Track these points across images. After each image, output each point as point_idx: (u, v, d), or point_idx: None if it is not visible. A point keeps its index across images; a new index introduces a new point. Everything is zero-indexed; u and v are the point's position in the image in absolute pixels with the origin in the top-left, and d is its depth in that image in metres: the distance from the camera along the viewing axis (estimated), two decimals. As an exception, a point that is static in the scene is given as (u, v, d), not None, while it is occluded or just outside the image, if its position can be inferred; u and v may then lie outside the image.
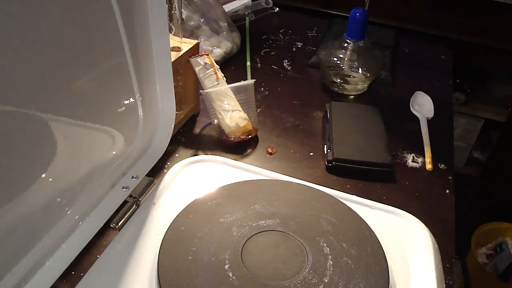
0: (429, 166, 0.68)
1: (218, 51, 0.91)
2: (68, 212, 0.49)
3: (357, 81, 0.84)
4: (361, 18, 0.79)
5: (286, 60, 0.96)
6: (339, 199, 0.55)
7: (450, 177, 0.67)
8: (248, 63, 0.93)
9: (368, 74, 0.83)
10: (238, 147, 0.69)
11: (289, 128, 0.76)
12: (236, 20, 1.03)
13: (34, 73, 0.40)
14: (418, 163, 0.70)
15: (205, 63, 0.68)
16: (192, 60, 0.68)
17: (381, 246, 0.48)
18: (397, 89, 0.90)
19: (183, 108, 0.73)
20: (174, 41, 0.65)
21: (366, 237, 0.49)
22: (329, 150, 0.67)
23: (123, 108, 0.54)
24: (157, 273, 0.44)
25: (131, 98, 0.55)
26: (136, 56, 0.53)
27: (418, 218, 0.55)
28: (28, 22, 0.37)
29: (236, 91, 0.68)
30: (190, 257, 0.46)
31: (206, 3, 0.93)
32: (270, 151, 0.70)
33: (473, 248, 1.40)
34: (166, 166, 0.65)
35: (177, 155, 0.68)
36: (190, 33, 0.90)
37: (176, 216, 0.51)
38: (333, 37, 0.90)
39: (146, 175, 0.58)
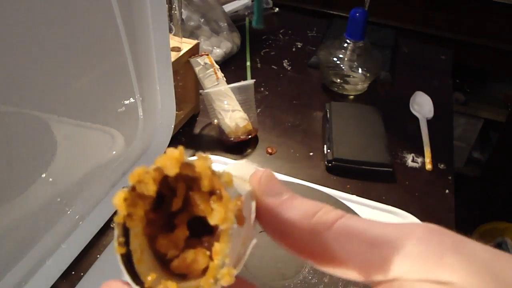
0: (428, 166, 0.68)
1: (218, 51, 0.91)
2: (68, 212, 0.49)
3: (357, 81, 0.84)
4: (361, 18, 0.79)
5: (286, 60, 0.96)
6: (339, 199, 0.55)
7: (450, 177, 0.67)
8: (248, 63, 0.93)
9: (368, 74, 0.83)
10: (238, 147, 0.69)
11: (289, 128, 0.76)
12: (236, 20, 1.03)
13: (34, 73, 0.40)
14: (418, 163, 0.70)
15: (205, 63, 0.68)
16: (192, 60, 0.68)
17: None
18: (397, 89, 0.90)
19: (183, 108, 0.73)
20: (174, 41, 0.65)
21: (366, 237, 0.49)
22: (329, 150, 0.68)
23: (123, 108, 0.54)
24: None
25: (131, 98, 0.55)
26: (136, 56, 0.53)
27: (418, 218, 0.55)
28: (28, 23, 0.37)
29: (236, 91, 0.68)
30: (190, 257, 0.46)
31: (206, 3, 0.93)
32: (270, 151, 0.70)
33: (473, 248, 1.40)
34: (166, 166, 0.65)
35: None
36: (190, 33, 0.90)
37: (176, 216, 0.51)
38: (333, 37, 0.90)
39: (146, 175, 0.58)
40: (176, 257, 0.18)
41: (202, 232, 0.18)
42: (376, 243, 0.18)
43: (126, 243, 0.17)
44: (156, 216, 0.18)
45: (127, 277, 0.16)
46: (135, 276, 0.17)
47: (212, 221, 0.17)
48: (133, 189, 0.17)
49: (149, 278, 0.16)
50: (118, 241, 0.16)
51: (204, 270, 0.17)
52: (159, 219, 0.18)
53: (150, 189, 0.17)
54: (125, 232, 0.17)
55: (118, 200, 0.16)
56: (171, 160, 0.17)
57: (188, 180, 0.18)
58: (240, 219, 0.17)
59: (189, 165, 0.17)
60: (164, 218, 0.18)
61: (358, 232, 0.18)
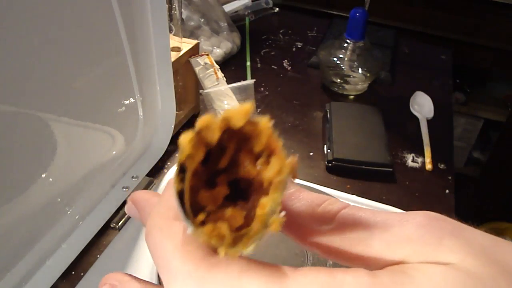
0: (429, 166, 0.68)
1: (218, 51, 0.91)
2: (68, 212, 0.49)
3: (357, 81, 0.84)
4: (361, 18, 0.79)
5: (286, 60, 0.97)
6: (339, 199, 0.55)
7: (450, 177, 0.67)
8: (248, 63, 0.93)
9: (368, 74, 0.83)
10: (238, 147, 0.69)
11: (289, 128, 0.76)
12: (236, 20, 1.03)
13: (34, 73, 0.40)
14: (418, 163, 0.70)
15: (205, 63, 0.68)
16: (192, 60, 0.68)
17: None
18: (397, 89, 0.90)
19: (183, 108, 0.73)
20: (174, 41, 0.65)
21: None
22: (329, 150, 0.67)
23: (123, 108, 0.54)
24: (157, 273, 0.44)
25: (131, 98, 0.55)
26: (136, 56, 0.53)
27: (418, 218, 0.55)
28: (28, 23, 0.37)
29: (236, 91, 0.68)
30: (190, 257, 0.46)
31: (206, 3, 0.93)
32: (270, 151, 0.70)
33: (473, 248, 1.40)
34: (166, 166, 0.65)
35: (177, 155, 0.68)
36: (190, 33, 0.90)
37: (176, 216, 0.51)
38: (333, 37, 0.90)
39: (146, 175, 0.58)
40: (212, 212, 0.18)
41: (237, 198, 0.19)
42: (378, 230, 0.19)
43: (182, 182, 0.17)
44: (202, 170, 0.19)
45: (180, 212, 0.17)
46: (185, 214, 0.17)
47: (268, 173, 0.18)
48: (198, 133, 0.17)
49: (200, 216, 0.17)
50: (178, 178, 0.17)
51: (238, 228, 0.18)
52: (203, 174, 0.19)
53: (214, 136, 0.18)
54: (182, 171, 0.18)
55: (184, 139, 0.17)
56: (240, 112, 0.17)
57: (239, 142, 0.19)
58: (294, 174, 0.18)
59: (253, 122, 0.18)
60: (207, 174, 0.19)
61: (361, 220, 0.19)
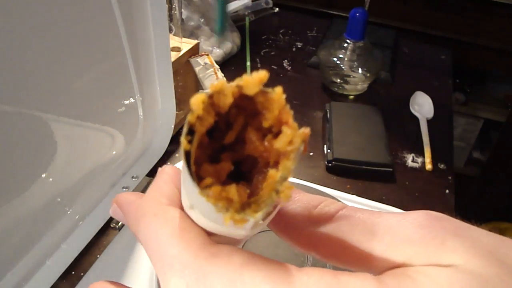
0: (429, 166, 0.68)
1: (218, 51, 0.91)
2: (68, 212, 0.49)
3: (357, 81, 0.84)
4: (361, 18, 0.79)
5: (286, 60, 0.96)
6: (339, 199, 0.55)
7: (450, 177, 0.67)
8: (248, 63, 0.93)
9: (368, 74, 0.83)
10: (238, 147, 0.69)
11: (289, 128, 0.76)
12: (236, 20, 1.03)
13: (34, 73, 0.40)
14: (418, 163, 0.70)
15: (205, 63, 0.68)
16: (192, 60, 0.68)
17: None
18: (397, 89, 0.90)
19: (183, 108, 0.73)
20: (174, 41, 0.65)
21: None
22: (329, 150, 0.67)
23: (123, 108, 0.54)
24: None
25: (131, 98, 0.55)
26: (136, 56, 0.53)
27: (418, 218, 0.55)
28: (28, 23, 0.37)
29: (236, 91, 0.68)
30: (190, 257, 0.46)
31: (206, 3, 0.93)
32: (270, 151, 0.70)
33: (473, 248, 1.40)
34: (166, 166, 0.65)
35: (177, 155, 0.68)
36: (190, 33, 0.90)
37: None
38: (333, 37, 0.90)
39: (146, 175, 0.58)
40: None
41: (240, 180, 0.18)
42: (377, 232, 0.18)
43: (190, 143, 0.17)
44: (207, 143, 0.18)
45: (186, 172, 0.16)
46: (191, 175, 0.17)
47: (279, 143, 0.17)
48: (210, 96, 0.17)
49: (207, 180, 0.16)
50: (186, 138, 0.16)
51: (243, 205, 0.17)
52: (208, 148, 0.18)
53: (227, 101, 0.17)
54: (190, 134, 0.17)
55: (196, 100, 0.16)
56: (254, 80, 0.17)
57: (247, 117, 0.18)
58: (305, 146, 0.17)
59: (265, 92, 0.17)
60: (211, 149, 0.18)
61: (359, 222, 0.18)
